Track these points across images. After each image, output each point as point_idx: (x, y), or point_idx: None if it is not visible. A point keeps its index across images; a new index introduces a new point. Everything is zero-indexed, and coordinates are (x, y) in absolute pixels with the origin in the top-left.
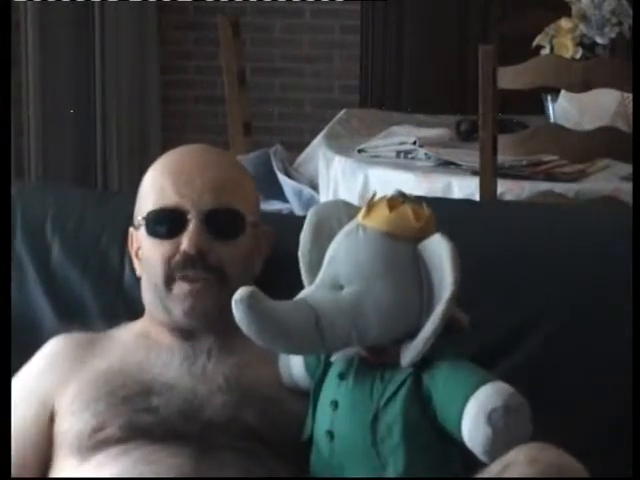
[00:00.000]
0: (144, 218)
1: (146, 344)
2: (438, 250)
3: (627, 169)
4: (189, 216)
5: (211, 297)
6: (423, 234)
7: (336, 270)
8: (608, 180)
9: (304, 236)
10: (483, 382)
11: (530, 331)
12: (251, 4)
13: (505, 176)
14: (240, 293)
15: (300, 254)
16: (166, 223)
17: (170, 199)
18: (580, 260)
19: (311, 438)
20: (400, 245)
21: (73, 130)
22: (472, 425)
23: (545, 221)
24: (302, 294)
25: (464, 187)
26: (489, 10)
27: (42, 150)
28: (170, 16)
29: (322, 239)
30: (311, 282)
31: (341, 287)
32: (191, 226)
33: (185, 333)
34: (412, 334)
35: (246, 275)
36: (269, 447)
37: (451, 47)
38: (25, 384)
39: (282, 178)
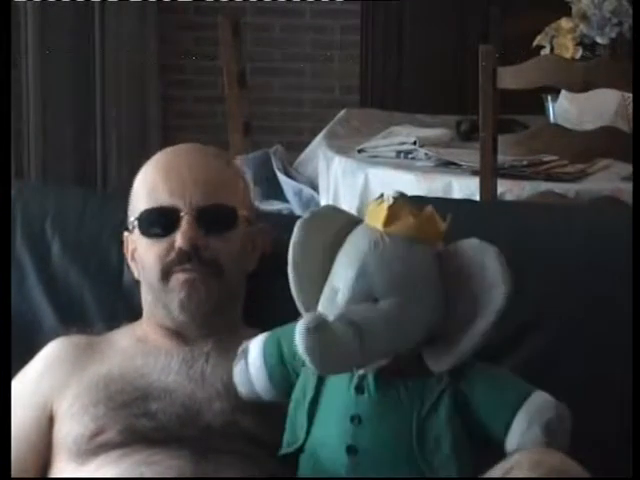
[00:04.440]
0: (137, 219)
1: (145, 349)
2: (481, 257)
3: (627, 169)
4: (182, 214)
5: (207, 287)
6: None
7: (369, 283)
8: (608, 180)
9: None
10: (527, 392)
11: (531, 330)
12: (251, 4)
13: (505, 176)
14: (307, 321)
15: (290, 267)
16: (160, 222)
17: (162, 198)
18: (580, 260)
19: (300, 449)
20: (425, 249)
21: (73, 130)
22: (527, 436)
23: (545, 221)
24: (334, 310)
25: (464, 187)
26: (489, 10)
27: (42, 150)
28: (170, 16)
29: (311, 250)
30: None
31: (375, 299)
32: (184, 223)
33: (183, 336)
34: (433, 337)
35: (240, 269)
36: (268, 450)
37: (451, 47)
38: (24, 387)
39: (282, 178)
